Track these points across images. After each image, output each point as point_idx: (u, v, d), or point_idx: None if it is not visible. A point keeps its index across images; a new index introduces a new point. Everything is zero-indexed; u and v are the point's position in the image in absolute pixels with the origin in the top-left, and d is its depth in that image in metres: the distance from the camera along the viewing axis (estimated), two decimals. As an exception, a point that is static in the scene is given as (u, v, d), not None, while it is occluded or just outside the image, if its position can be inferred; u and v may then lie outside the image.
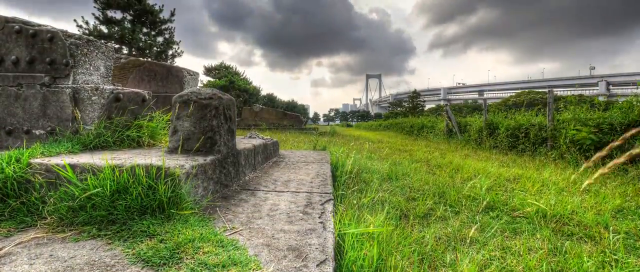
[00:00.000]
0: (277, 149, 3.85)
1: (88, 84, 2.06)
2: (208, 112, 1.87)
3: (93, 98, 1.89)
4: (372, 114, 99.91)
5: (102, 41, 2.11)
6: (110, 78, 2.29)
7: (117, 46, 26.43)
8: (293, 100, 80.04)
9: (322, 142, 6.61)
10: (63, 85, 1.91)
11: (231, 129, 2.08)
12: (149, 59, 27.58)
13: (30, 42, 1.92)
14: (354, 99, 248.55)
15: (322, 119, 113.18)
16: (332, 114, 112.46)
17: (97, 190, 1.26)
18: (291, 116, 15.90)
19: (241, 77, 46.41)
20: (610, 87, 72.74)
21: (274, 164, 3.20)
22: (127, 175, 1.34)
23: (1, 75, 1.90)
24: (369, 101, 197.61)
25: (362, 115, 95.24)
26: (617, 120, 5.96)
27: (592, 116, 6.56)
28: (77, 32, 2.02)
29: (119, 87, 2.05)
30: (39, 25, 1.99)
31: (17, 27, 1.92)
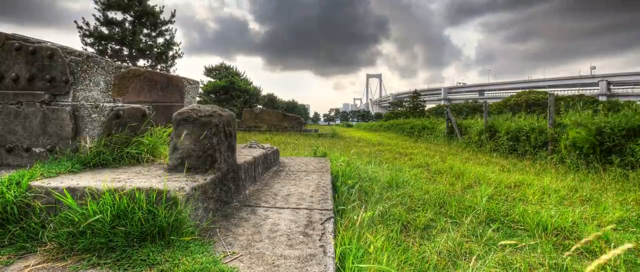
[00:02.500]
0: (278, 158, 3.85)
1: (88, 100, 2.06)
2: (208, 130, 1.87)
3: (93, 115, 1.89)
4: (373, 113, 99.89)
5: (102, 57, 2.11)
6: (111, 92, 2.29)
7: (117, 47, 26.45)
8: (293, 100, 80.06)
9: (322, 148, 6.61)
10: (63, 103, 1.91)
11: (231, 145, 2.07)
12: (150, 61, 27.56)
13: (30, 59, 1.92)
14: (355, 99, 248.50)
15: (322, 119, 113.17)
16: (333, 113, 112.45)
17: (97, 216, 1.26)
18: (291, 118, 15.90)
19: (241, 77, 46.42)
20: (611, 86, 72.66)
21: (274, 174, 3.20)
22: (127, 200, 1.34)
23: (1, 93, 1.90)
24: (369, 101, 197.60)
25: (362, 115, 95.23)
26: (618, 125, 5.94)
27: (593, 120, 6.54)
28: (78, 48, 2.02)
29: (119, 104, 2.05)
30: (39, 41, 1.99)
31: (17, 44, 1.92)
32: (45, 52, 1.91)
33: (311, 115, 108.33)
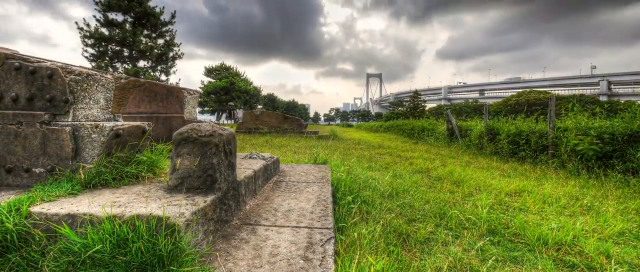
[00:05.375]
0: (278, 167, 3.84)
1: (88, 119, 2.05)
2: (208, 150, 1.87)
3: (93, 136, 1.89)
4: (373, 113, 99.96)
5: (103, 75, 2.10)
6: (110, 109, 2.29)
7: (118, 49, 26.45)
8: (293, 100, 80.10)
9: (323, 153, 6.61)
10: (63, 123, 1.91)
11: (232, 163, 2.07)
12: (150, 62, 27.54)
13: (30, 79, 1.92)
14: (355, 98, 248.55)
15: (322, 119, 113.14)
16: (333, 113, 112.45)
17: (97, 247, 1.26)
18: (292, 120, 15.89)
19: (242, 78, 46.44)
20: (612, 86, 72.49)
21: (275, 186, 3.20)
22: (127, 228, 1.34)
23: (1, 113, 1.90)
24: (369, 100, 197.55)
25: (362, 115, 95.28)
26: (618, 130, 5.93)
27: (593, 125, 6.52)
28: (77, 66, 2.02)
29: (119, 123, 2.04)
30: (39, 60, 1.99)
31: (16, 64, 1.92)
32: (44, 72, 1.91)
33: (311, 115, 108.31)
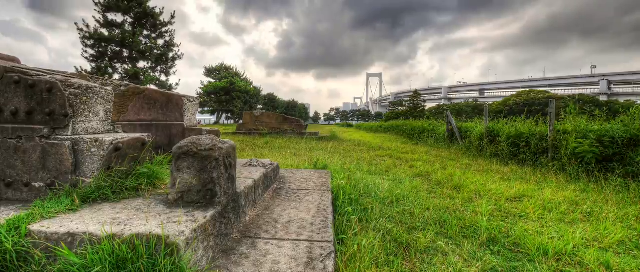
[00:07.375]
0: (278, 174, 3.84)
1: (88, 132, 2.05)
2: (208, 164, 1.86)
3: (92, 149, 1.88)
4: (373, 112, 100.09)
5: (102, 86, 2.10)
6: (110, 120, 2.29)
7: (117, 49, 26.42)
8: (293, 100, 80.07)
9: (323, 157, 6.61)
10: (62, 137, 1.91)
11: (232, 176, 2.07)
12: (150, 62, 27.47)
13: (29, 92, 1.92)
14: (355, 98, 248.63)
15: (322, 119, 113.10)
16: (333, 113, 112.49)
17: (97, 268, 1.26)
18: (292, 121, 15.88)
19: (242, 78, 46.38)
20: (612, 86, 72.45)
21: (275, 193, 3.20)
22: (126, 248, 1.34)
23: (0, 127, 1.90)
24: (369, 100, 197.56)
25: (362, 115, 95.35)
26: (618, 133, 5.92)
27: (593, 128, 6.51)
28: (76, 80, 2.01)
29: (118, 136, 2.04)
30: (38, 73, 1.99)
31: (16, 77, 1.92)
32: (44, 86, 1.91)
33: (311, 114, 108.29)
